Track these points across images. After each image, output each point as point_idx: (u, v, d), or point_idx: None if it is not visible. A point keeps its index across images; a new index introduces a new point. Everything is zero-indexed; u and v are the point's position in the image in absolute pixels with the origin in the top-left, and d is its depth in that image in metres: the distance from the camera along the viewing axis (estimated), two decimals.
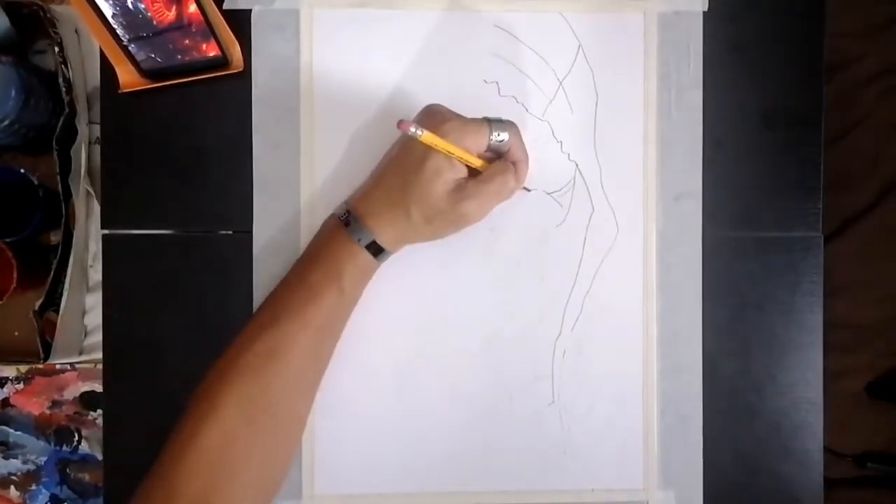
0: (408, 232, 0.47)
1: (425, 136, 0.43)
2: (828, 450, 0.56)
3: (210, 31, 0.50)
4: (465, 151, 0.46)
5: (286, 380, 0.46)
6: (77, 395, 0.87)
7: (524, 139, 0.49)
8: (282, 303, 0.47)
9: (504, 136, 0.47)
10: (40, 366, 0.82)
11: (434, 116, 0.46)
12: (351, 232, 0.47)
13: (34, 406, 0.87)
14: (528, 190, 0.54)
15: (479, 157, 0.47)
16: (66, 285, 0.68)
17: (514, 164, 0.48)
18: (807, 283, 0.55)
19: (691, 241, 0.54)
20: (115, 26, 0.48)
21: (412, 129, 0.43)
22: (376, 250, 0.47)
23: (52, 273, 0.68)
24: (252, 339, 0.46)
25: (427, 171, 0.45)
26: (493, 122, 0.47)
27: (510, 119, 0.48)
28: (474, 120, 0.47)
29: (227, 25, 0.51)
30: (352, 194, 0.50)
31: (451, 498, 0.53)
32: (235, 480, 0.44)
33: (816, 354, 0.55)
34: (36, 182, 0.68)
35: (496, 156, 0.49)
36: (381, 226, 0.47)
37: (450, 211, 0.46)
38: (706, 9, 0.54)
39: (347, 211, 0.48)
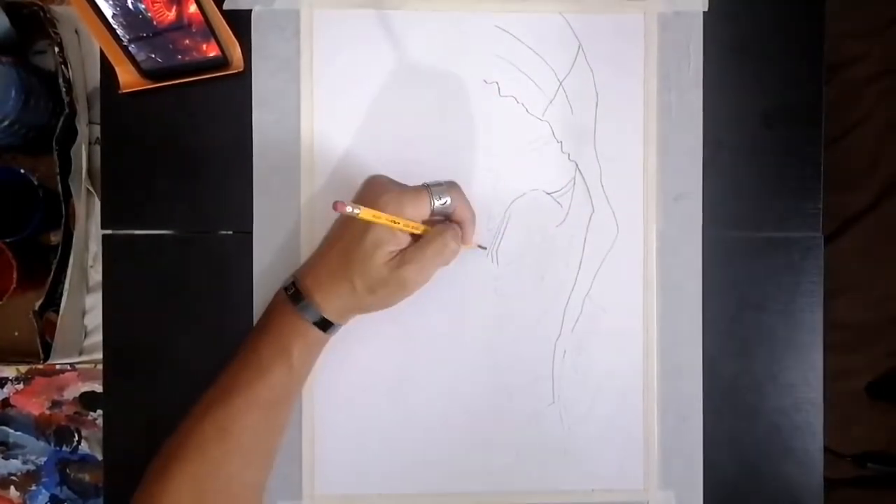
0: (353, 303, 0.47)
1: (363, 212, 0.43)
2: (828, 450, 0.56)
3: (210, 32, 0.50)
4: (406, 221, 0.46)
5: (237, 457, 0.45)
6: (77, 395, 0.87)
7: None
8: (232, 378, 0.47)
9: (446, 199, 0.47)
10: (40, 366, 0.81)
11: (372, 189, 0.47)
12: (299, 309, 0.46)
13: (34, 406, 0.87)
14: (484, 248, 0.54)
15: (425, 221, 0.47)
16: (66, 285, 0.68)
17: (459, 224, 0.48)
18: (807, 283, 0.55)
19: (691, 242, 0.54)
20: (116, 26, 0.48)
21: (349, 209, 0.42)
22: (324, 325, 0.47)
23: (52, 273, 0.68)
24: (202, 417, 0.46)
25: (367, 244, 0.45)
26: (432, 188, 0.47)
27: (451, 180, 0.49)
28: (413, 188, 0.47)
29: (227, 26, 0.51)
30: (300, 267, 0.50)
31: (451, 498, 0.53)
32: None
33: (817, 355, 0.55)
34: (36, 182, 0.68)
35: (443, 218, 0.49)
36: (327, 300, 0.46)
37: (391, 279, 0.46)
38: (706, 9, 0.54)
39: (293, 284, 0.48)
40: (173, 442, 0.46)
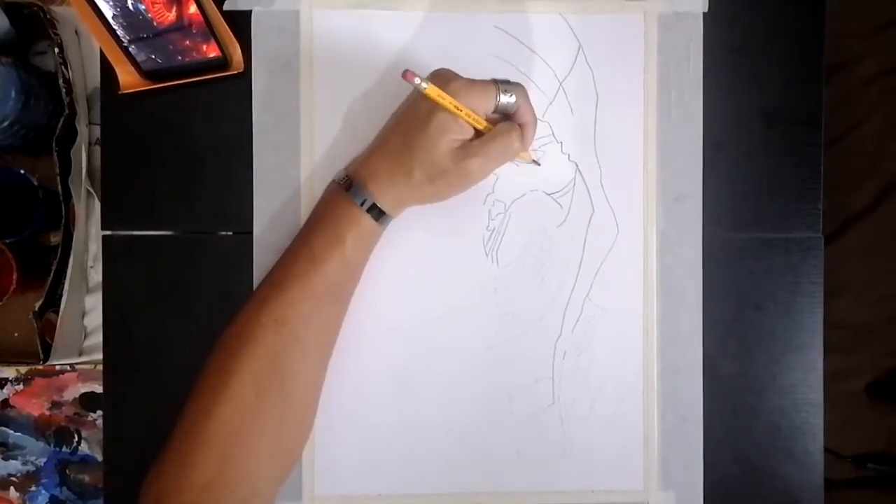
0: (409, 193, 0.47)
1: (430, 88, 0.43)
2: (828, 450, 0.56)
3: (210, 32, 0.50)
4: (469, 112, 0.45)
5: (294, 349, 0.45)
6: (77, 396, 0.86)
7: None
8: (285, 271, 0.47)
9: (511, 97, 0.47)
10: (40, 367, 0.81)
11: (440, 77, 0.46)
12: (352, 195, 0.46)
13: (34, 407, 0.87)
14: (538, 164, 0.53)
15: (487, 119, 0.47)
16: (66, 286, 0.68)
17: (521, 126, 0.48)
18: (807, 283, 0.55)
19: (691, 242, 0.54)
20: (116, 27, 0.48)
21: (417, 80, 0.42)
22: (378, 214, 0.47)
23: (52, 274, 0.68)
24: (257, 310, 0.46)
25: (432, 130, 0.45)
26: (500, 83, 0.47)
27: (520, 82, 0.48)
28: (482, 81, 0.47)
29: (227, 26, 0.51)
30: (352, 160, 0.50)
31: (451, 499, 0.53)
32: (250, 451, 0.44)
33: (817, 355, 0.55)
34: (36, 183, 0.68)
35: (504, 118, 0.49)
36: (381, 188, 0.46)
37: (453, 169, 0.46)
38: (706, 9, 0.54)
39: (347, 175, 0.48)
40: (229, 337, 0.46)
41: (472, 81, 0.46)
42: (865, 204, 0.66)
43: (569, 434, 0.54)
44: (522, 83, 0.48)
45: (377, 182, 0.47)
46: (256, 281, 0.53)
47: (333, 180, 0.49)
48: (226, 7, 0.53)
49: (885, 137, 0.66)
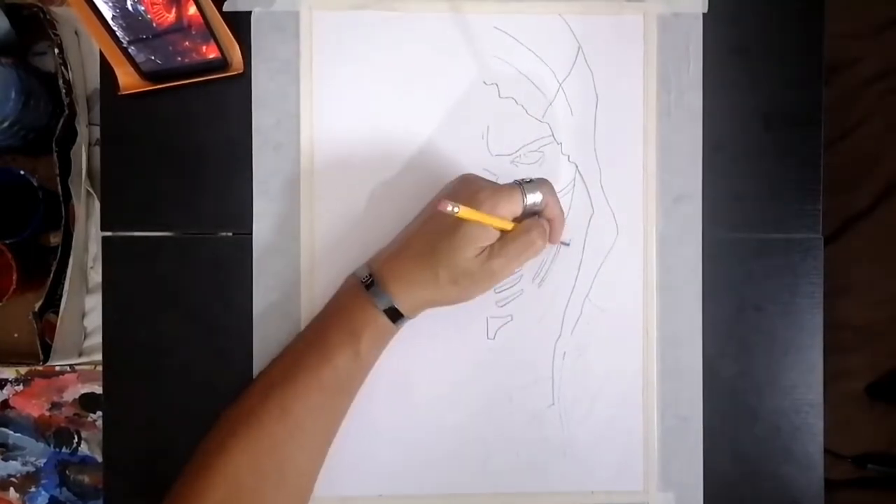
0: (430, 295, 0.47)
1: (462, 212, 0.44)
2: (828, 451, 0.56)
3: (210, 33, 0.50)
4: (500, 220, 0.46)
5: (297, 440, 0.46)
6: (77, 396, 0.87)
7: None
8: (296, 359, 0.47)
9: (538, 196, 0.47)
10: (40, 367, 0.81)
11: (468, 186, 0.47)
12: (372, 295, 0.47)
13: (34, 408, 0.87)
14: (567, 244, 0.54)
15: (516, 219, 0.47)
16: (66, 287, 0.68)
17: (549, 220, 0.49)
18: (807, 284, 0.55)
19: (691, 243, 0.54)
20: (115, 28, 0.48)
21: (450, 208, 0.43)
22: (395, 316, 0.47)
23: (52, 274, 0.68)
24: (265, 395, 0.46)
25: (459, 238, 0.46)
26: (525, 185, 0.47)
27: (542, 177, 0.48)
28: (507, 186, 0.47)
29: (226, 27, 0.51)
30: (375, 256, 0.50)
31: (450, 500, 0.53)
32: None
33: (816, 356, 0.55)
34: (36, 184, 0.68)
35: (532, 215, 0.49)
36: (403, 291, 0.47)
37: (478, 271, 0.46)
38: (706, 10, 0.54)
39: (370, 274, 0.48)
40: (232, 417, 0.46)
41: (498, 189, 0.47)
42: (865, 204, 0.66)
43: (568, 435, 0.54)
44: (544, 168, 0.49)
45: (399, 284, 0.47)
46: (256, 282, 0.53)
47: (355, 275, 0.49)
48: (225, 8, 0.53)
49: (885, 138, 0.65)
